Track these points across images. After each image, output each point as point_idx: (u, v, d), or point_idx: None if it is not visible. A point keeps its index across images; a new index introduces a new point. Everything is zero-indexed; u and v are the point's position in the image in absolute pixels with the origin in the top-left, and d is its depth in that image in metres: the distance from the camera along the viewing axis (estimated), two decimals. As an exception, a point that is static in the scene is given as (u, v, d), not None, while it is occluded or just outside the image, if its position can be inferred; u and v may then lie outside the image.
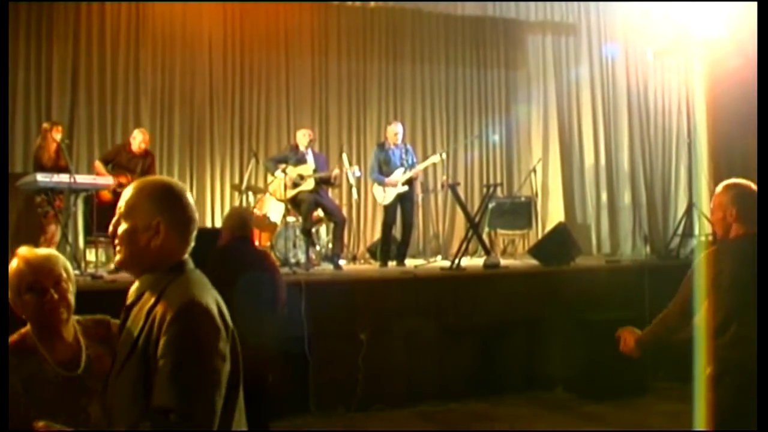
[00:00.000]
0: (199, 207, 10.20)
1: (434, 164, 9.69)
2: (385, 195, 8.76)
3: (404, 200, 8.79)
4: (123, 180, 7.85)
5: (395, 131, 8.92)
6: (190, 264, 2.09)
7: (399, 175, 8.70)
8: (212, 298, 1.97)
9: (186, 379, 1.82)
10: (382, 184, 8.76)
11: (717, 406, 3.28)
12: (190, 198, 2.12)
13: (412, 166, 8.80)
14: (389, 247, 8.90)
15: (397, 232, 9.19)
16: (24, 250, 2.51)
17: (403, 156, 8.82)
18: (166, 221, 2.03)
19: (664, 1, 9.66)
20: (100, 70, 9.81)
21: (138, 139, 8.35)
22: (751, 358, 3.10)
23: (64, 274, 2.50)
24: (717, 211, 3.50)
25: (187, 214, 2.09)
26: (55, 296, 2.44)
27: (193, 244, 2.11)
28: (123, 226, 2.05)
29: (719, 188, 3.55)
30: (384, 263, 8.74)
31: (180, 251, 2.07)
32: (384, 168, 8.79)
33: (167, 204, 2.05)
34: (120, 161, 8.26)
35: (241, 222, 5.17)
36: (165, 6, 10.04)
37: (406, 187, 8.72)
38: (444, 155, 9.49)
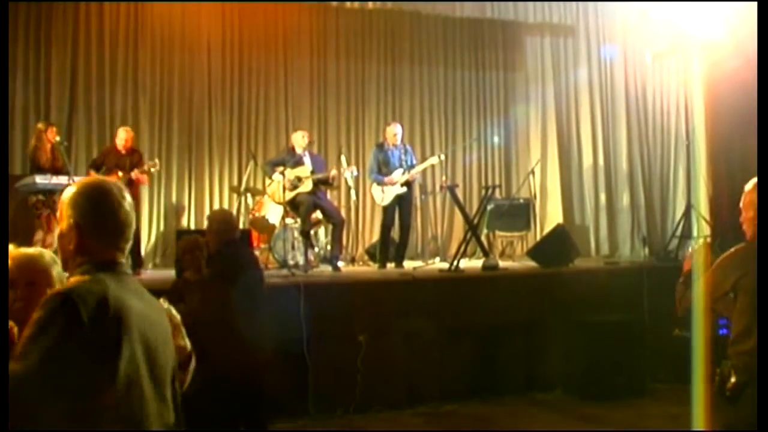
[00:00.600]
0: (198, 208, 10.20)
1: (433, 166, 9.69)
2: (384, 196, 8.76)
3: (402, 201, 8.78)
4: (114, 180, 7.85)
5: (394, 132, 8.92)
6: (120, 267, 2.08)
7: (398, 176, 8.69)
8: (94, 297, 1.91)
9: (22, 355, 1.82)
10: (381, 184, 8.76)
11: (737, 416, 3.10)
12: (119, 201, 2.10)
13: (411, 167, 8.79)
14: (388, 249, 8.90)
15: (395, 233, 9.18)
16: (10, 248, 2.51)
17: (402, 156, 8.82)
18: (80, 225, 2.04)
19: (663, 2, 9.67)
20: (99, 72, 9.80)
21: (122, 137, 8.33)
22: None
23: (38, 277, 2.46)
24: (748, 210, 3.27)
25: (107, 218, 2.07)
26: (19, 294, 2.42)
27: (126, 245, 2.11)
28: (58, 227, 2.11)
29: (749, 186, 3.31)
30: (382, 265, 8.74)
31: (105, 253, 2.06)
32: (383, 169, 8.79)
33: (83, 209, 2.05)
34: (110, 163, 8.25)
35: (228, 225, 5.24)
36: (163, 7, 10.03)
37: (404, 189, 8.71)
38: (443, 156, 9.51)
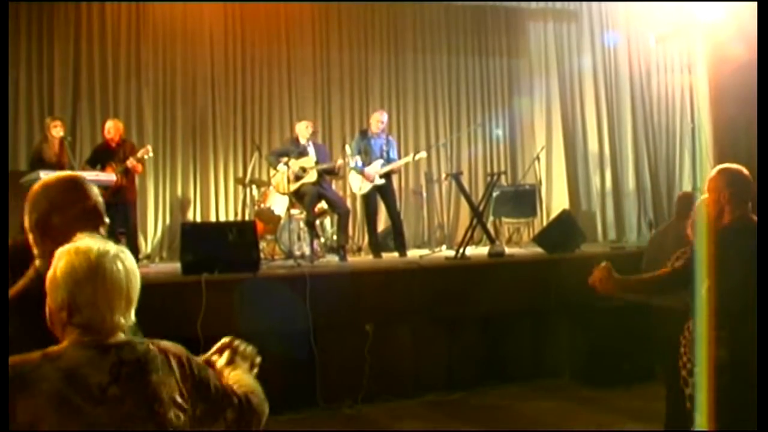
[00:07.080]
0: (204, 201, 10.24)
1: (438, 153, 9.64)
2: (362, 185, 8.74)
3: (383, 192, 8.75)
4: (109, 172, 7.88)
5: (379, 119, 8.86)
6: None
7: (376, 168, 8.65)
8: None
9: None
10: (360, 173, 8.72)
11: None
12: None
13: (389, 159, 8.72)
14: (377, 239, 8.86)
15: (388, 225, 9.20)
16: None
17: (384, 147, 8.76)
18: None
19: (665, -15, 9.61)
20: (102, 67, 9.82)
21: (109, 127, 8.31)
22: None
23: None
24: (711, 193, 3.45)
25: None
26: None
27: None
28: None
29: (713, 172, 3.49)
30: (376, 254, 8.70)
31: None
32: (364, 157, 8.73)
33: None
34: (103, 159, 8.24)
35: None
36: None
37: (383, 180, 8.68)
38: (425, 154, 9.55)
